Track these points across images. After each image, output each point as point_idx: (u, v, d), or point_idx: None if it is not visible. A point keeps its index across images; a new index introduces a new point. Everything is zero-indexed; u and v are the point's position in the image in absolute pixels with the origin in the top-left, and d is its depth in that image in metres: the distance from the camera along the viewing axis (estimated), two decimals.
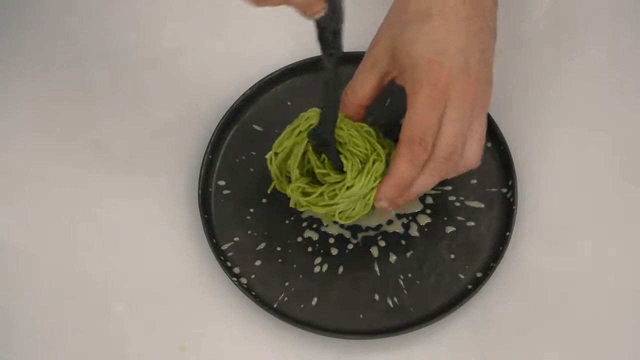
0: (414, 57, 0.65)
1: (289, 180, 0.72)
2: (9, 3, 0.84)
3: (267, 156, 0.72)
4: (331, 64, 0.60)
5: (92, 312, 0.72)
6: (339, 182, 0.69)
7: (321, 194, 0.70)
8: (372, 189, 0.70)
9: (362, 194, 0.70)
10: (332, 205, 0.70)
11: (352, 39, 0.79)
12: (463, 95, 0.64)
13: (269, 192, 0.74)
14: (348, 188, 0.69)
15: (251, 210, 0.75)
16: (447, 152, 0.65)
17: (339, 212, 0.70)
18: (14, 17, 0.83)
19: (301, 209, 0.72)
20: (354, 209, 0.70)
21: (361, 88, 0.69)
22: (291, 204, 0.72)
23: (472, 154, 0.67)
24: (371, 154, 0.69)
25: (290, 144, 0.70)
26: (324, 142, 0.68)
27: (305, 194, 0.70)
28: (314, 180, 0.71)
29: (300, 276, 0.73)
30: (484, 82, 0.66)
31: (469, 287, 0.71)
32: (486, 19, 0.67)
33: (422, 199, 0.75)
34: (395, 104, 0.77)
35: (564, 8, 0.83)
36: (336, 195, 0.69)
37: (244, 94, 0.79)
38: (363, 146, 0.69)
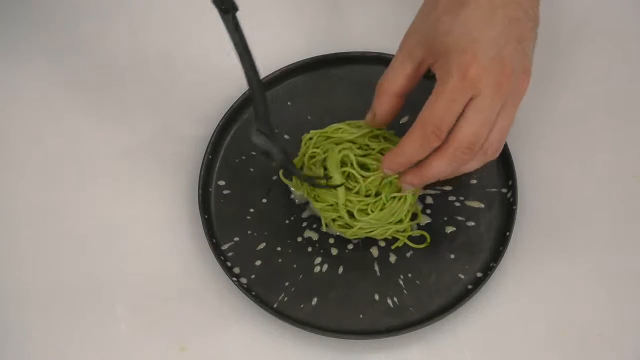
0: (447, 45, 0.63)
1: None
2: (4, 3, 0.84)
3: (313, 132, 0.72)
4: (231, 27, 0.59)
5: (93, 312, 0.72)
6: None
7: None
8: (405, 216, 0.71)
9: (395, 220, 0.70)
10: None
11: (356, 40, 0.80)
12: (495, 87, 0.62)
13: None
14: (382, 209, 0.69)
15: (251, 210, 0.75)
16: (469, 141, 0.64)
17: (357, 228, 0.70)
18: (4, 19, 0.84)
19: (313, 201, 0.72)
20: (372, 230, 0.71)
21: (395, 78, 0.67)
22: (305, 194, 0.73)
23: (493, 143, 0.66)
24: None
25: (345, 136, 0.70)
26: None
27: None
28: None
29: (300, 276, 0.73)
30: (520, 72, 0.64)
31: (469, 287, 0.71)
32: (524, 6, 0.65)
33: (422, 198, 0.75)
34: None
35: (561, 9, 0.83)
36: (367, 214, 0.69)
37: (244, 94, 0.78)
38: None
